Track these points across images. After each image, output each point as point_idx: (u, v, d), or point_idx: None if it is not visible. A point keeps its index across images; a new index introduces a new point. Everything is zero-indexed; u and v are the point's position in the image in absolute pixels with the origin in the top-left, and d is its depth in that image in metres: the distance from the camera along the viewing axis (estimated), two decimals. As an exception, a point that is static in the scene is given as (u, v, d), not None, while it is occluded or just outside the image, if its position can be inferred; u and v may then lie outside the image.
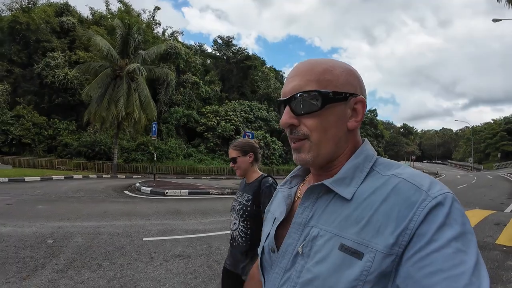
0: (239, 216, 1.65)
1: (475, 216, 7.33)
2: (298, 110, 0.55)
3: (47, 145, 24.21)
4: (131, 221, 6.01)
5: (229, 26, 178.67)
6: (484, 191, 15.00)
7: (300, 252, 0.55)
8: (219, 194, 10.74)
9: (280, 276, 0.57)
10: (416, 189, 0.49)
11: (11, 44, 25.89)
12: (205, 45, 42.69)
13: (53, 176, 14.62)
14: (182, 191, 10.27)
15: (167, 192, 10.02)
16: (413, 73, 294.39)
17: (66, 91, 24.77)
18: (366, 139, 0.62)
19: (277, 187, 0.73)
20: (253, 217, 1.62)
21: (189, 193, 10.23)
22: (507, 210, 9.15)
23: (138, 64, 17.87)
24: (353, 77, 0.58)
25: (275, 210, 0.69)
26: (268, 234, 0.65)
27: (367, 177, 0.55)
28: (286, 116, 0.57)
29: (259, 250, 0.68)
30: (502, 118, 50.87)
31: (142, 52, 20.11)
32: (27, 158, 21.71)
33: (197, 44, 41.40)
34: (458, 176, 30.22)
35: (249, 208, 1.63)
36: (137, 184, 12.14)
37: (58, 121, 24.59)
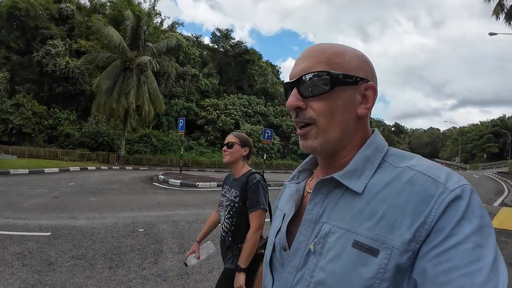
0: (226, 212, 1.71)
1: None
2: (306, 92, 0.55)
3: (47, 135, 24.49)
4: (189, 210, 6.91)
5: (223, 17, 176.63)
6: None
7: (312, 250, 0.54)
8: None
9: (293, 276, 0.57)
10: (432, 181, 0.48)
11: (9, 30, 25.79)
12: (201, 37, 42.96)
13: (70, 168, 15.29)
14: (211, 183, 11.31)
15: (198, 184, 11.01)
16: (405, 73, 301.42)
17: (67, 80, 25.01)
18: (376, 129, 0.61)
19: (284, 182, 0.72)
20: (239, 213, 1.67)
21: (218, 185, 11.21)
22: (495, 204, 10.81)
23: (150, 58, 18.58)
24: (364, 63, 0.57)
25: (283, 206, 0.68)
26: (279, 231, 0.65)
27: (379, 169, 0.54)
28: (293, 98, 0.56)
29: (269, 247, 0.67)
30: (489, 120, 54.35)
31: (151, 44, 20.77)
32: (29, 148, 22.01)
33: (193, 35, 41.88)
34: (447, 175, 32.44)
35: (236, 205, 1.68)
36: (161, 176, 13.08)
37: (58, 110, 24.87)
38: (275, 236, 0.65)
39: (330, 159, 0.59)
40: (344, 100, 0.55)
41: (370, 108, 0.57)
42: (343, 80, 0.54)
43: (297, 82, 0.56)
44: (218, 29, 40.34)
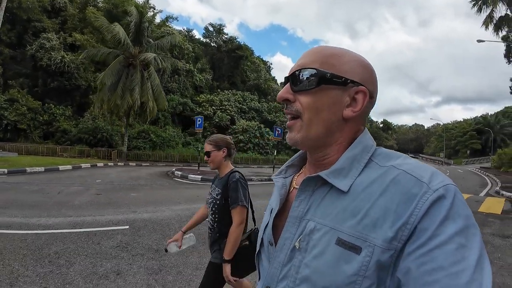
0: (210, 209, 1.90)
1: (460, 197, 10.41)
2: (296, 86, 0.59)
3: (43, 131, 24.64)
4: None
5: (212, 10, 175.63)
6: (459, 182, 18.70)
7: (297, 247, 0.57)
8: (260, 181, 13.20)
9: (279, 271, 0.60)
10: (416, 181, 0.49)
11: (2, 23, 25.51)
12: (192, 31, 43.44)
13: (82, 165, 15.81)
14: None
15: None
16: (391, 70, 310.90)
17: (62, 75, 25.14)
18: (366, 128, 0.63)
19: (272, 177, 0.74)
20: (222, 210, 1.83)
21: None
22: (481, 194, 12.50)
23: (155, 55, 19.25)
24: (362, 68, 0.59)
25: (272, 201, 0.71)
26: (266, 226, 0.68)
27: (365, 169, 0.56)
28: (284, 91, 0.61)
29: (258, 241, 0.71)
30: (472, 118, 57.92)
31: (152, 41, 21.38)
32: (26, 145, 22.11)
33: (185, 29, 42.29)
34: (433, 170, 34.86)
35: (218, 202, 1.84)
36: (178, 172, 13.99)
37: (53, 106, 25.00)
38: (264, 231, 0.69)
39: (317, 157, 0.62)
40: (329, 98, 0.57)
41: (358, 112, 0.58)
42: (330, 79, 0.56)
43: (291, 77, 0.61)
44: (211, 24, 41.10)
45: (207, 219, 2.01)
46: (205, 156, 1.92)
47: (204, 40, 41.40)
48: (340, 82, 0.57)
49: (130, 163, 20.55)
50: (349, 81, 0.57)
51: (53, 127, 24.62)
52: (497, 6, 15.48)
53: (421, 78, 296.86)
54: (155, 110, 20.67)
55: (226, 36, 40.45)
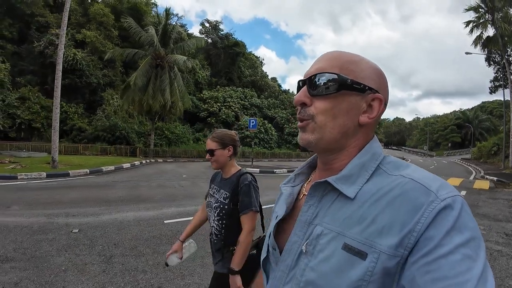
0: (216, 214, 1.81)
1: (455, 181, 15.05)
2: (314, 90, 0.63)
3: (56, 128, 26.67)
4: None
5: (194, 1, 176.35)
6: (448, 171, 24.09)
7: (304, 251, 0.62)
8: (289, 172, 17.27)
9: (286, 274, 0.65)
10: (424, 190, 0.54)
11: (3, 18, 26.97)
12: (186, 26, 46.08)
13: (135, 163, 18.66)
14: (282, 170, 16.17)
15: (275, 171, 15.78)
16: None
17: (74, 72, 27.23)
18: (375, 135, 0.68)
19: (280, 185, 0.79)
20: (229, 215, 1.77)
21: (288, 171, 16.02)
22: (470, 179, 17.52)
23: (185, 57, 22.45)
24: (377, 75, 0.65)
25: (278, 209, 0.76)
26: (270, 232, 0.74)
27: (373, 176, 0.61)
28: (301, 94, 0.65)
29: (264, 247, 0.77)
30: (451, 112, 66.29)
31: (173, 45, 24.47)
32: (45, 144, 23.96)
33: (179, 24, 44.83)
34: (421, 160, 40.92)
35: (226, 207, 1.77)
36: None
37: (65, 104, 27.05)
38: (269, 237, 0.75)
39: (327, 160, 0.68)
40: (348, 104, 0.63)
41: (373, 118, 0.64)
42: (350, 85, 0.62)
43: (308, 80, 0.65)
44: (207, 20, 44.23)
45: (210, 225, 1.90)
46: (208, 154, 1.84)
47: (201, 36, 44.26)
48: (359, 89, 0.62)
49: (158, 159, 23.68)
50: (367, 87, 0.63)
51: (67, 125, 26.77)
52: (486, 28, 20.98)
53: (402, 72, 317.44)
54: (182, 109, 23.87)
55: (222, 33, 43.69)
